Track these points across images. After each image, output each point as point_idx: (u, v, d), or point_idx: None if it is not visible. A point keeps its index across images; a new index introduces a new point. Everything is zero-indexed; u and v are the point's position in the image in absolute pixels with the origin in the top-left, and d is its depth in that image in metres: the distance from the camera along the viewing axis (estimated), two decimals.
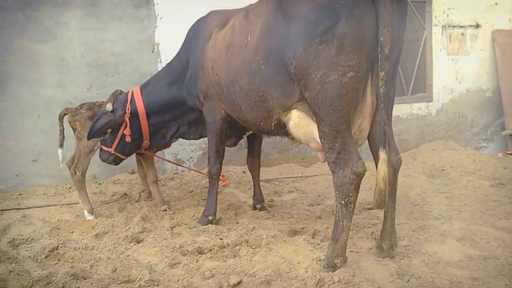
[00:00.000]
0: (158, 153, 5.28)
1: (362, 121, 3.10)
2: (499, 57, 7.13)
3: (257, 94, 3.42)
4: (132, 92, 4.56)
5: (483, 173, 5.70)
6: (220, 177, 4.60)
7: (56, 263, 3.48)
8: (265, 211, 4.73)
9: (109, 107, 4.45)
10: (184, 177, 6.12)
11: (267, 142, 5.87)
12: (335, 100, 2.89)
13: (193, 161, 6.49)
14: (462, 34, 7.16)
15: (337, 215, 3.08)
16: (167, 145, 5.06)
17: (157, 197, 4.92)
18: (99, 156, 4.73)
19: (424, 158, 6.60)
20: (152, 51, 6.20)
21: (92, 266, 3.36)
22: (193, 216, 4.57)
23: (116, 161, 4.74)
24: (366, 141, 3.28)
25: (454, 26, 7.10)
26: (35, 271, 3.36)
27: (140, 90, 4.56)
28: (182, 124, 4.67)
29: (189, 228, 4.21)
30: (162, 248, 3.66)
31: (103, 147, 4.64)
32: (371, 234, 3.83)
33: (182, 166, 5.81)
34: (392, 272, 3.15)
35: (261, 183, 4.95)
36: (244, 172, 6.20)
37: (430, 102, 7.24)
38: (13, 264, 3.44)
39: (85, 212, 4.66)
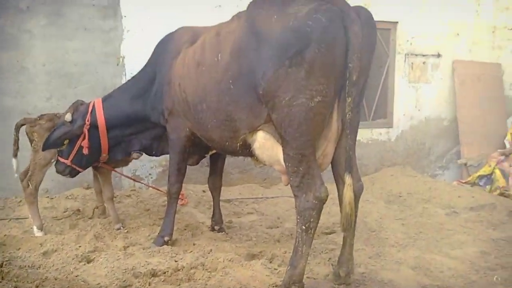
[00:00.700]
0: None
1: (327, 146, 3.12)
2: (458, 87, 7.36)
3: (225, 114, 3.39)
4: (93, 103, 4.43)
5: (438, 201, 5.85)
6: (179, 196, 4.51)
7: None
8: (223, 232, 4.65)
9: (68, 117, 4.31)
10: (141, 194, 5.96)
11: (229, 161, 5.81)
12: (302, 124, 2.89)
13: (152, 178, 6.35)
14: (424, 62, 7.38)
15: (296, 240, 3.05)
16: (126, 162, 4.93)
17: (112, 215, 4.75)
18: (55, 167, 4.56)
19: (382, 183, 6.71)
20: (117, 64, 6.07)
21: (37, 287, 3.19)
22: (148, 236, 4.44)
23: (72, 173, 4.58)
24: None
25: (416, 55, 7.31)
26: None
27: (102, 102, 4.44)
28: (144, 139, 4.56)
29: (143, 249, 4.07)
30: (114, 269, 3.53)
31: (60, 159, 4.48)
32: (328, 260, 3.82)
33: (140, 182, 5.67)
34: None
35: (220, 203, 4.87)
36: (204, 191, 6.10)
37: (390, 128, 7.39)
38: None
39: (35, 228, 4.45)
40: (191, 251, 3.97)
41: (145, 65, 4.50)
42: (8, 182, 5.03)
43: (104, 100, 4.49)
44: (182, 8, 6.13)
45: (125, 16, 6.06)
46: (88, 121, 4.32)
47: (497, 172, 6.50)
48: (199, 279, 3.39)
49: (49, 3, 5.78)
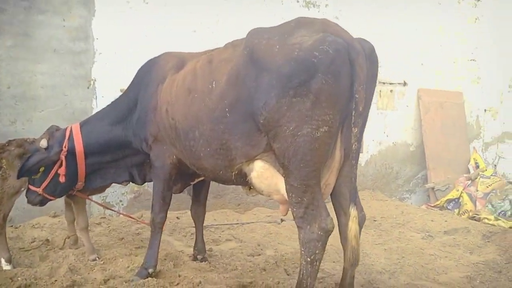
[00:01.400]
0: None
1: (329, 176, 3.08)
2: (423, 114, 7.65)
3: (219, 142, 3.28)
4: (71, 128, 4.22)
5: (412, 225, 5.95)
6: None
7: None
8: (206, 262, 4.48)
9: (43, 143, 4.06)
10: (112, 222, 5.67)
11: None
12: (307, 154, 2.85)
13: (123, 204, 6.10)
14: (391, 90, 7.62)
15: (301, 273, 2.97)
16: (101, 189, 4.71)
17: (86, 245, 4.47)
18: (26, 196, 4.27)
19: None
20: (88, 87, 5.87)
21: None
22: (128, 267, 4.18)
23: (43, 202, 4.30)
24: None
25: (384, 83, 7.53)
26: None
27: (80, 127, 4.23)
28: (124, 166, 4.37)
29: (125, 282, 3.83)
30: None
31: (31, 187, 4.20)
32: None
33: (111, 209, 5.41)
34: None
35: None
36: (178, 217, 5.92)
37: (360, 153, 7.48)
38: None
39: (2, 260, 4.11)
40: (178, 284, 3.77)
41: (127, 90, 4.32)
42: None
43: (82, 125, 4.28)
44: (156, 32, 6.05)
45: (97, 39, 5.89)
46: (65, 147, 4.09)
47: (465, 196, 6.73)
48: None
49: (16, 23, 5.55)
